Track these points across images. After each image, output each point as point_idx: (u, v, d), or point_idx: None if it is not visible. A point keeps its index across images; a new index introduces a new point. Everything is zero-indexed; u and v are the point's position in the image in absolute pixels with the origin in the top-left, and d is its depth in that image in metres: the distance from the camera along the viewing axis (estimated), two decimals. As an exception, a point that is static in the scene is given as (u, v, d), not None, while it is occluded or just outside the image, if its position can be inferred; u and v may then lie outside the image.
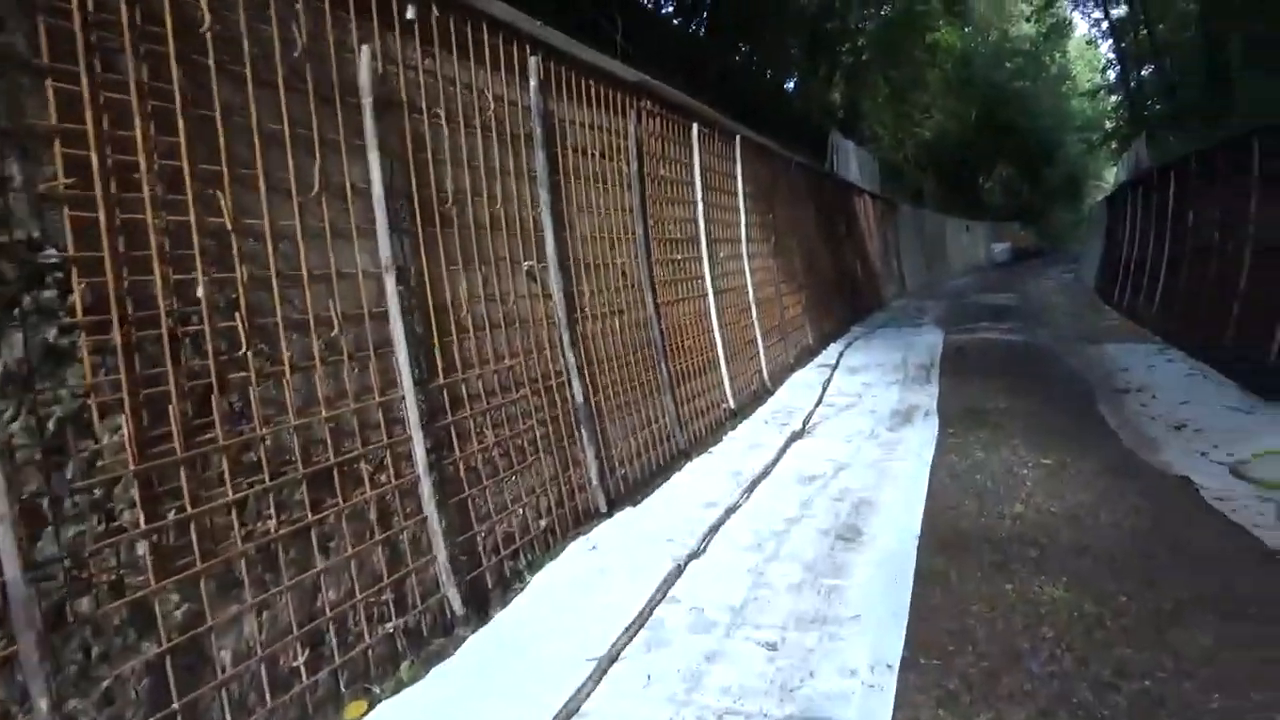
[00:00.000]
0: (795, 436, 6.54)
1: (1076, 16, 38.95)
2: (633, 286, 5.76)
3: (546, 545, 4.19)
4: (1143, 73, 29.33)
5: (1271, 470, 4.96)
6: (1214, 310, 9.00)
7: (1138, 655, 2.97)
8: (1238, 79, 18.15)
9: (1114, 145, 33.96)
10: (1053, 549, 4.02)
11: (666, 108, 6.58)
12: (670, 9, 18.49)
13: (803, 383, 9.00)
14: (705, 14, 18.38)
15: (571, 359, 4.71)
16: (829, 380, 8.99)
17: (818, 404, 7.82)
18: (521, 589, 3.79)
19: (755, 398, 7.96)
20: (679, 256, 6.70)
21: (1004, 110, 40.93)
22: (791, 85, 25.67)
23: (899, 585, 3.67)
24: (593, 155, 5.35)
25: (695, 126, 7.14)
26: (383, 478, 3.26)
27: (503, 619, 3.52)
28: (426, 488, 3.39)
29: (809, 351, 10.85)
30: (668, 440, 5.83)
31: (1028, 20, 40.62)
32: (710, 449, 6.28)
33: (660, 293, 6.17)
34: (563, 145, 4.94)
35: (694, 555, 4.12)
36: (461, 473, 3.67)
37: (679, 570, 3.93)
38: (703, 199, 7.22)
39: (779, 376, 8.96)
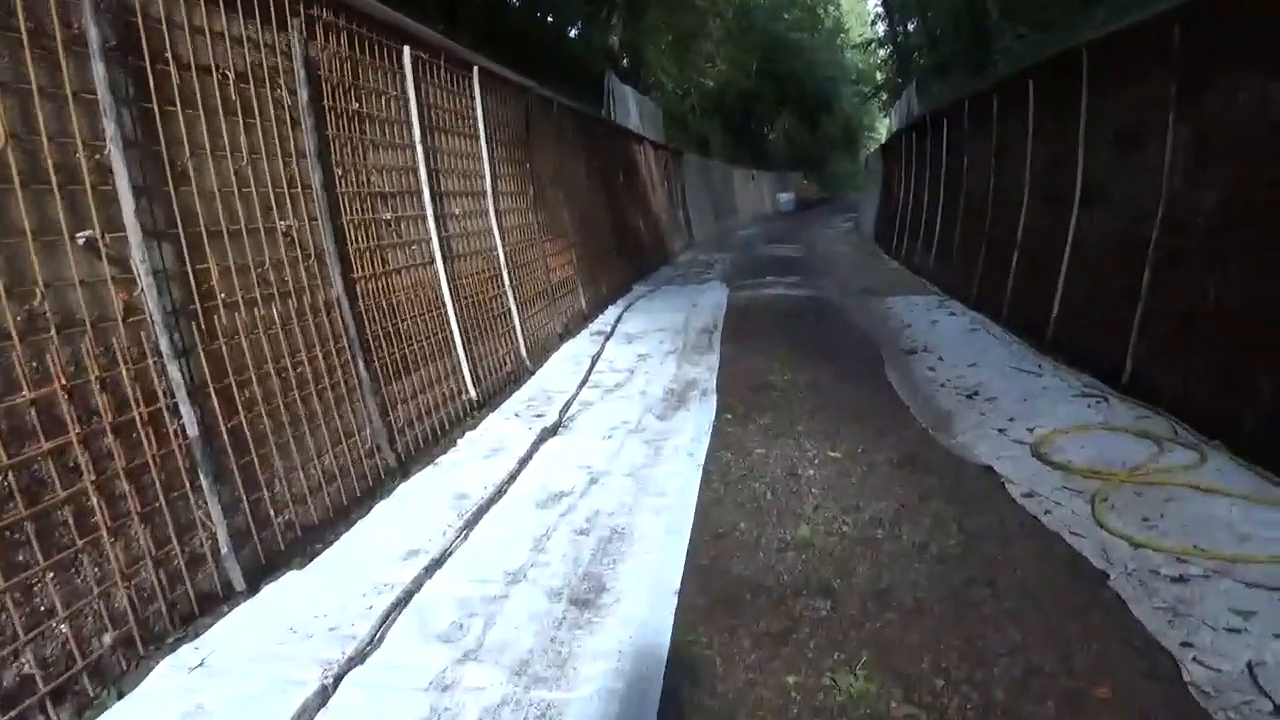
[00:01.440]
0: (547, 434, 5.36)
1: (846, -31, 40.08)
2: (309, 258, 4.25)
3: (120, 670, 2.73)
4: (909, 26, 30.37)
5: (1072, 451, 4.36)
6: (992, 262, 8.68)
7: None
8: (995, 32, 18.70)
9: (884, 97, 35.33)
10: (848, 599, 3.09)
11: (359, 22, 5.00)
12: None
13: (570, 356, 7.83)
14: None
15: (177, 374, 3.19)
16: (599, 353, 7.88)
17: (582, 385, 6.67)
18: (48, 768, 2.35)
19: (510, 380, 6.70)
20: (389, 216, 5.22)
21: (784, 61, 41.58)
22: (574, 33, 24.23)
23: (642, 692, 2.56)
24: (226, 76, 3.77)
25: (408, 50, 5.62)
26: None
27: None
28: None
29: (582, 317, 9.69)
30: (370, 458, 4.45)
31: (803, -28, 41.40)
32: (437, 459, 4.96)
33: (358, 264, 4.71)
34: (158, 58, 3.34)
35: (357, 658, 2.82)
36: (-105, 604, 2.14)
37: (324, 695, 2.62)
38: (423, 143, 5.74)
39: (543, 351, 7.74)
